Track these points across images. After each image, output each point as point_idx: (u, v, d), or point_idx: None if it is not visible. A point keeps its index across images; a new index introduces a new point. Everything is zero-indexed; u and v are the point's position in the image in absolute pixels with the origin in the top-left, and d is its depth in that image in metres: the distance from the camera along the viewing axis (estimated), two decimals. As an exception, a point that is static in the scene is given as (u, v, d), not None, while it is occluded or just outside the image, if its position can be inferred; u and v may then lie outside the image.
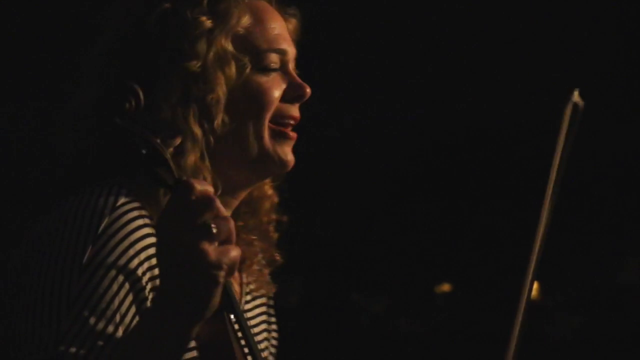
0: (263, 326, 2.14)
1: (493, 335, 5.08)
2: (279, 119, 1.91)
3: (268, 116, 1.88)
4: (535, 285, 5.29)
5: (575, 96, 1.88)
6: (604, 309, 5.04)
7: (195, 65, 1.79)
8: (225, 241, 1.55)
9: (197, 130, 1.80)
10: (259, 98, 1.86)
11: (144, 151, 1.61)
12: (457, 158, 5.14)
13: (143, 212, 1.76)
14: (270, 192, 2.09)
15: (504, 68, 4.86)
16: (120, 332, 1.68)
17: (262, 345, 2.09)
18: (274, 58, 1.89)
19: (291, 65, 1.94)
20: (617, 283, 5.05)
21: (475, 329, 5.07)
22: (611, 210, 5.05)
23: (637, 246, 4.98)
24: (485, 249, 5.18)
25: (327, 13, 4.62)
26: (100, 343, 1.66)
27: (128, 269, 1.69)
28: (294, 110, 1.93)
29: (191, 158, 1.79)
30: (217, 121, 1.81)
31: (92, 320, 1.67)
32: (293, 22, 2.01)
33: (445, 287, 5.31)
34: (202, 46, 1.80)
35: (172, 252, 1.52)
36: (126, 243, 1.71)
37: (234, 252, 1.56)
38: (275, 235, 2.11)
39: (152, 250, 1.73)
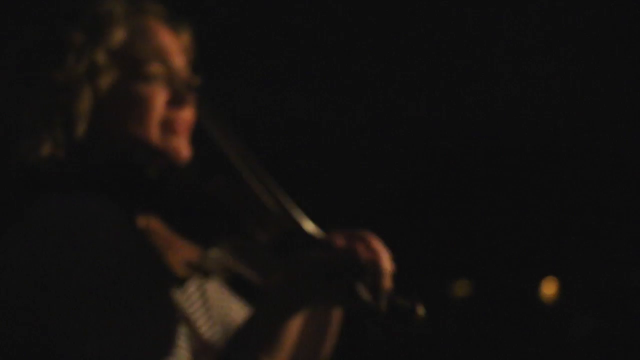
0: None
1: (506, 337, 5.07)
2: (166, 123, 1.99)
3: (153, 121, 1.96)
4: (553, 285, 5.26)
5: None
6: (622, 310, 5.02)
7: (60, 77, 1.92)
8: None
9: (61, 137, 1.92)
10: (140, 105, 1.96)
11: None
12: (476, 156, 5.13)
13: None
14: None
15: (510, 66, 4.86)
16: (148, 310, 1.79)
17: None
18: (155, 67, 1.98)
19: (178, 75, 2.01)
20: (635, 285, 5.03)
21: (489, 331, 5.06)
22: (631, 212, 5.03)
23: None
24: (500, 251, 5.17)
25: (331, 14, 4.63)
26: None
27: (130, 250, 1.81)
28: (184, 114, 2.00)
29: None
30: (78, 130, 1.92)
31: (124, 309, 1.77)
32: (184, 36, 2.08)
33: (462, 287, 5.30)
34: (70, 60, 1.92)
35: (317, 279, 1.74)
36: (117, 227, 1.81)
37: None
38: None
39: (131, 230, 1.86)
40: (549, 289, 5.22)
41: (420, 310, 1.78)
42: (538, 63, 4.80)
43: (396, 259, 1.88)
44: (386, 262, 1.83)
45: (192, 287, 2.00)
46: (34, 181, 1.88)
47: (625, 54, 4.68)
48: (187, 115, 2.00)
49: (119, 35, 1.96)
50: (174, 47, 2.03)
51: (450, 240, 5.16)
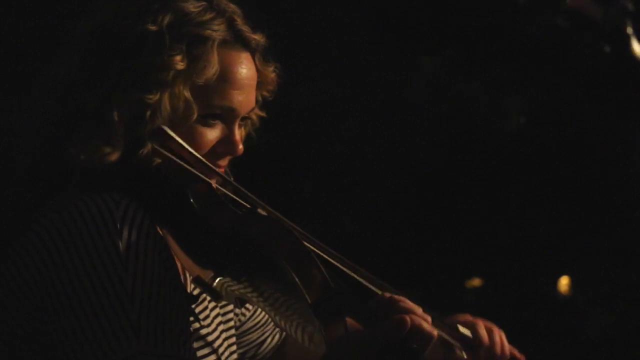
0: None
1: (521, 331, 5.05)
2: (209, 160, 2.00)
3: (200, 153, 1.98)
4: (567, 281, 5.25)
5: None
6: (637, 306, 5.00)
7: (152, 98, 1.89)
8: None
9: (128, 148, 1.91)
10: (190, 140, 1.95)
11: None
12: (490, 152, 5.12)
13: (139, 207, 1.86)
14: None
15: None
16: (175, 312, 1.80)
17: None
18: (219, 112, 1.97)
19: (239, 120, 2.01)
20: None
21: (504, 324, 5.04)
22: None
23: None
24: (514, 244, 5.16)
25: (336, 18, 4.62)
26: (172, 331, 1.79)
27: (156, 252, 1.81)
28: (222, 161, 2.02)
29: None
30: (145, 150, 1.91)
31: (157, 311, 1.78)
32: (271, 76, 2.08)
33: (476, 282, 5.29)
34: (164, 83, 1.89)
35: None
36: (144, 228, 1.81)
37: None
38: None
39: (157, 235, 1.85)
40: (563, 286, 5.21)
41: None
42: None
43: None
44: (433, 330, 1.81)
45: (207, 303, 2.00)
46: (77, 180, 1.87)
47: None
48: (224, 162, 2.01)
49: (210, 72, 1.93)
50: (249, 90, 2.00)
51: (464, 239, 5.15)
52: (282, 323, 1.89)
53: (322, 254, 1.86)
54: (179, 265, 1.92)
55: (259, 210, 1.91)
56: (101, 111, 1.87)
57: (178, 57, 1.89)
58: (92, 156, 1.86)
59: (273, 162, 4.45)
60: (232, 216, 1.89)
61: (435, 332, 1.78)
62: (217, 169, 1.98)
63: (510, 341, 2.39)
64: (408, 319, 1.74)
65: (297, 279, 1.79)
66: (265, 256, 1.83)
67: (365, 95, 4.84)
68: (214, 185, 1.95)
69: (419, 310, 1.81)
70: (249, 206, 1.92)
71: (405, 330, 1.72)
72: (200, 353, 1.94)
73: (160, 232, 1.88)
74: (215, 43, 1.93)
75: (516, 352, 2.04)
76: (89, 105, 1.87)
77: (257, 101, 2.07)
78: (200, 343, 1.95)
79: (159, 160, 1.91)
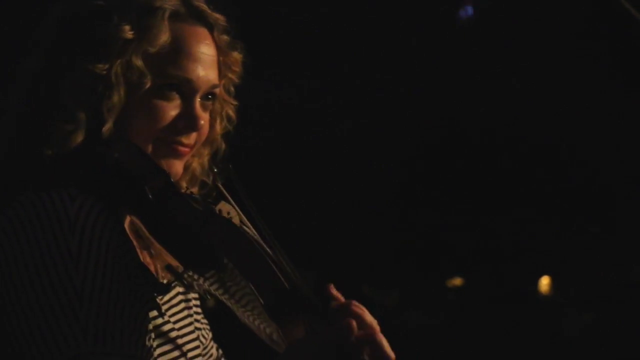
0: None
1: (503, 329, 5.08)
2: (170, 138, 2.00)
3: (152, 133, 1.97)
4: (548, 281, 5.27)
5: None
6: (617, 305, 5.03)
7: (102, 68, 1.91)
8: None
9: (89, 127, 1.92)
10: (150, 117, 1.96)
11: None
12: (473, 153, 5.13)
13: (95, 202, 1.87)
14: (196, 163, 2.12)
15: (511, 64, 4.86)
16: (127, 310, 1.80)
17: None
18: (175, 82, 1.97)
19: (199, 95, 2.00)
20: (631, 279, 5.03)
21: (486, 322, 5.07)
22: (626, 207, 5.04)
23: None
24: (496, 244, 5.17)
25: (332, 15, 4.63)
26: (119, 330, 1.78)
27: (110, 249, 1.81)
28: (185, 138, 2.01)
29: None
30: (106, 127, 1.92)
31: (107, 310, 1.77)
32: (233, 55, 2.07)
33: (457, 281, 5.31)
34: (114, 53, 1.92)
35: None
36: (99, 226, 1.81)
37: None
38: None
39: (113, 230, 1.86)
40: (544, 285, 5.23)
41: None
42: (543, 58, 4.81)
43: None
44: (381, 335, 1.82)
45: (174, 295, 2.01)
46: (33, 174, 1.88)
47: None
48: (188, 138, 2.00)
49: (160, 40, 1.95)
50: (208, 65, 2.00)
51: (445, 238, 5.16)
52: (246, 320, 1.90)
53: (279, 257, 1.85)
54: (147, 254, 1.93)
55: (216, 208, 1.91)
56: (60, 96, 1.91)
57: (127, 27, 1.92)
58: (58, 143, 1.88)
59: (265, 161, 4.47)
60: (187, 211, 1.90)
61: (385, 344, 1.81)
62: (182, 147, 1.99)
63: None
64: (354, 323, 1.76)
65: (249, 282, 1.80)
66: (218, 257, 1.84)
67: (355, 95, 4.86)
68: (172, 179, 1.95)
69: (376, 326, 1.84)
70: (208, 204, 1.92)
71: (352, 334, 1.75)
72: (161, 350, 1.94)
73: (133, 220, 1.90)
74: (166, 14, 1.96)
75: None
76: (52, 96, 1.90)
77: (226, 88, 2.07)
78: (162, 340, 1.95)
79: (117, 154, 1.92)
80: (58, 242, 1.78)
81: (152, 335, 1.89)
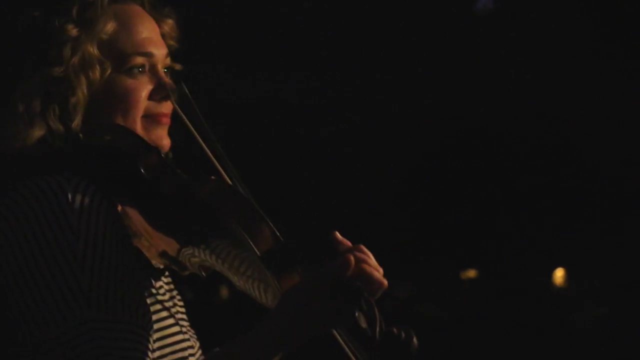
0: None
1: (516, 321, 5.09)
2: (150, 115, 2.06)
3: (137, 113, 2.03)
4: (562, 273, 5.28)
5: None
6: (631, 299, 5.03)
7: (58, 70, 1.96)
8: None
9: (59, 127, 1.97)
10: (124, 98, 2.02)
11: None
12: (490, 145, 5.14)
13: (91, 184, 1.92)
14: None
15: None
16: (127, 280, 1.85)
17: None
18: (139, 60, 2.04)
19: (160, 66, 2.07)
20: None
21: (499, 314, 5.08)
22: (636, 202, 5.04)
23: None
24: (510, 236, 5.18)
25: (332, 14, 4.64)
26: (121, 302, 1.82)
27: (108, 223, 1.86)
28: (163, 107, 2.07)
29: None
30: (75, 122, 1.97)
31: (107, 279, 1.82)
32: (169, 23, 2.14)
33: (471, 273, 5.32)
34: (67, 52, 1.97)
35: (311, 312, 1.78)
36: (96, 200, 1.86)
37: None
38: None
39: (109, 207, 1.90)
40: (558, 277, 5.24)
41: (415, 341, 1.77)
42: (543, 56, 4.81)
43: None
44: (383, 280, 1.86)
45: (162, 283, 2.04)
46: (21, 165, 1.92)
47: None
48: (168, 107, 2.06)
49: (108, 27, 2.01)
50: (156, 36, 2.08)
51: (459, 231, 5.17)
52: (242, 283, 1.92)
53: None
54: (144, 241, 1.96)
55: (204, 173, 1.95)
56: (18, 104, 1.95)
57: (69, 26, 1.97)
58: (25, 142, 1.93)
59: (266, 161, 4.48)
60: (179, 180, 1.93)
61: (385, 283, 1.84)
62: (165, 118, 2.03)
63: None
64: (352, 257, 1.80)
65: (245, 234, 1.84)
66: (215, 216, 1.88)
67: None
68: (163, 153, 2.00)
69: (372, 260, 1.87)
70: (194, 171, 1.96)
71: (349, 269, 1.79)
72: (161, 324, 1.97)
73: (125, 210, 1.94)
74: (105, 1, 2.02)
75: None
76: (13, 107, 1.94)
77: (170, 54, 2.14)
78: (163, 314, 1.98)
79: (108, 137, 1.96)
80: (57, 214, 1.83)
81: (150, 308, 1.92)
